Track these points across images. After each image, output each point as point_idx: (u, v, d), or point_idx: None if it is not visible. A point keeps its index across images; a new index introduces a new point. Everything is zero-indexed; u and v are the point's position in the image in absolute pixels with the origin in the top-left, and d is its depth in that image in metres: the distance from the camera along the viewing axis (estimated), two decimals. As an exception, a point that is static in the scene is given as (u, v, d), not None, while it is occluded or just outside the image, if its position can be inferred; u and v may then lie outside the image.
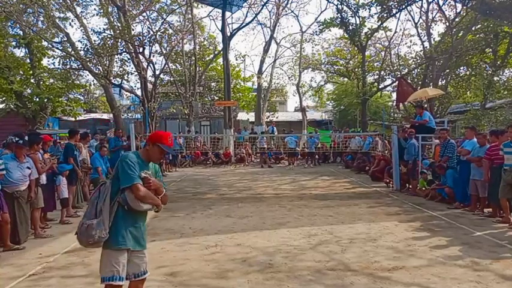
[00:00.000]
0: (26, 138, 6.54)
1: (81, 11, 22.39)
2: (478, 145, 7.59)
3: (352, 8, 20.50)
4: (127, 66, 20.77)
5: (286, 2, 26.64)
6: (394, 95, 22.06)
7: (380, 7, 18.01)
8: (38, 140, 6.73)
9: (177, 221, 7.29)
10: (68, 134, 8.74)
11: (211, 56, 27.75)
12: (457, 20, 20.11)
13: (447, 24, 20.17)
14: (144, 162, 3.07)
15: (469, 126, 9.61)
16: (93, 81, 24.43)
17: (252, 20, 25.19)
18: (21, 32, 19.69)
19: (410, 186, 10.21)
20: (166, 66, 23.81)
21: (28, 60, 20.05)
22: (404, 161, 10.30)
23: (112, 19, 21.82)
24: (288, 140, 18.21)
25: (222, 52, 23.66)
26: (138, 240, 3.03)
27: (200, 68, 26.72)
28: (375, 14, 19.28)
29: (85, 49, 19.60)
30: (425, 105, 16.08)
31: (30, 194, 5.99)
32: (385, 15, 18.49)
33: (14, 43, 19.95)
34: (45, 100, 18.95)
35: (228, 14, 22.19)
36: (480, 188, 7.48)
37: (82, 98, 28.02)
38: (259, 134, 22.37)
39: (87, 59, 19.48)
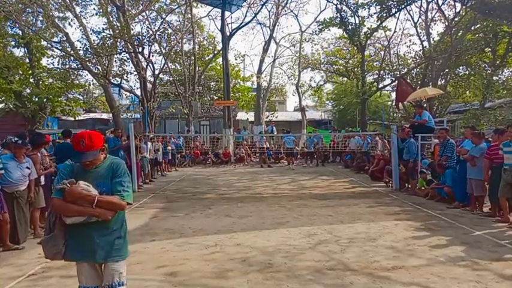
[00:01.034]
0: (28, 138, 6.55)
1: (81, 11, 22.41)
2: (474, 144, 7.62)
3: (352, 8, 20.55)
4: (126, 65, 20.84)
5: (285, 1, 26.64)
6: (394, 95, 22.13)
7: (379, 7, 18.03)
8: (43, 141, 6.74)
9: (177, 220, 7.29)
10: (63, 134, 8.74)
11: (211, 55, 27.75)
12: (456, 19, 20.13)
13: (446, 23, 20.20)
14: (85, 168, 2.77)
15: (468, 126, 9.62)
16: (92, 81, 24.42)
17: (252, 19, 25.21)
18: (20, 32, 19.69)
19: (410, 186, 10.21)
20: (166, 65, 23.80)
21: (27, 60, 20.06)
22: (404, 161, 10.31)
23: (111, 19, 21.80)
24: (286, 140, 18.19)
25: (221, 52, 23.66)
26: (93, 252, 2.74)
27: (199, 68, 26.72)
28: (374, 13, 19.34)
29: (84, 49, 19.63)
30: (425, 105, 16.11)
31: (30, 194, 5.99)
32: (384, 14, 18.50)
33: (13, 43, 19.97)
34: (45, 100, 18.97)
35: (227, 13, 22.19)
36: (475, 187, 7.53)
37: (81, 97, 28.06)
38: (257, 133, 22.39)
39: (87, 59, 19.48)
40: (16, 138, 5.95)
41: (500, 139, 7.09)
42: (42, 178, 6.77)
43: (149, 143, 13.17)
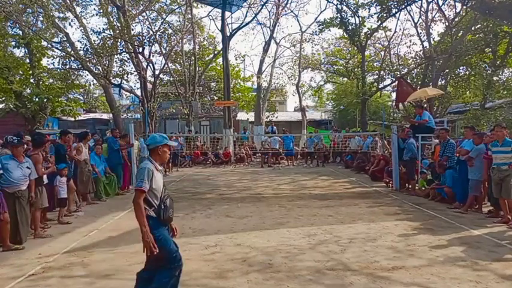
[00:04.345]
0: (29, 138, 6.54)
1: (81, 11, 22.43)
2: (475, 145, 7.63)
3: (352, 8, 20.53)
4: (126, 66, 20.80)
5: (285, 1, 26.63)
6: (394, 95, 22.11)
7: (379, 7, 18.03)
8: (44, 141, 6.76)
9: (177, 221, 7.20)
10: (60, 134, 8.77)
11: (211, 55, 27.76)
12: (456, 19, 20.13)
13: (447, 24, 20.20)
14: None
15: (468, 126, 9.62)
16: (92, 81, 24.42)
17: (252, 20, 25.19)
18: (20, 32, 19.69)
19: (410, 186, 10.21)
20: (166, 66, 23.81)
21: (28, 60, 20.05)
22: (403, 161, 10.31)
23: (112, 19, 21.81)
24: (272, 141, 18.35)
25: (221, 52, 23.66)
26: None
27: (200, 68, 26.72)
28: (375, 13, 19.33)
29: (85, 49, 19.62)
30: (425, 105, 16.09)
31: (31, 193, 5.98)
32: (384, 15, 18.50)
33: (13, 43, 19.95)
34: (45, 100, 18.96)
35: (227, 13, 22.18)
36: (470, 187, 7.56)
37: (81, 98, 28.06)
38: (257, 134, 22.46)
39: (87, 59, 19.48)
40: (13, 138, 5.97)
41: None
42: (45, 178, 6.78)
43: None
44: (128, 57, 20.45)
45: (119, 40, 19.18)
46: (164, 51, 22.23)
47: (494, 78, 18.36)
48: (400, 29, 27.73)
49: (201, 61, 27.19)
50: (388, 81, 24.30)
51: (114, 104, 22.92)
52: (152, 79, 21.50)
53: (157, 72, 21.64)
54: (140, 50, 19.39)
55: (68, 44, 20.82)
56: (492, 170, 6.80)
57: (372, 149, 15.02)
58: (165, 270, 3.42)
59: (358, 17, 20.80)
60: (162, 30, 21.65)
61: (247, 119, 31.71)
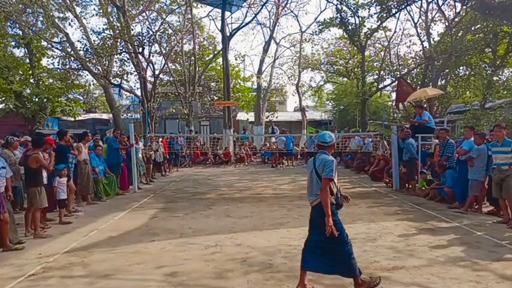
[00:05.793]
0: (29, 138, 6.53)
1: (81, 11, 22.44)
2: (476, 145, 7.61)
3: (352, 8, 20.52)
4: (126, 66, 20.83)
5: (285, 2, 26.65)
6: (394, 95, 22.12)
7: (379, 7, 18.04)
8: (44, 141, 6.78)
9: (177, 221, 7.29)
10: (58, 134, 8.78)
11: (211, 56, 27.77)
12: (456, 20, 20.12)
13: (446, 24, 20.19)
14: None
15: (468, 126, 9.62)
16: (92, 81, 24.43)
17: (252, 20, 25.20)
18: (20, 32, 19.68)
19: (410, 186, 10.21)
20: (166, 66, 23.81)
21: (27, 60, 20.04)
22: (403, 161, 10.31)
23: (111, 19, 21.82)
24: (278, 141, 18.36)
25: (221, 52, 23.68)
26: None
27: (200, 68, 26.73)
28: (375, 13, 19.32)
29: (84, 49, 19.65)
30: (425, 105, 16.10)
31: (8, 193, 5.94)
32: (384, 15, 18.51)
33: (13, 43, 19.94)
34: (45, 100, 18.94)
35: (227, 14, 22.19)
36: (470, 187, 7.56)
37: (81, 98, 28.04)
38: (256, 134, 22.47)
39: (87, 59, 19.50)
40: (15, 138, 5.97)
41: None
42: (45, 178, 6.78)
43: (141, 143, 13.08)
44: (128, 57, 20.47)
45: (119, 40, 19.19)
46: (164, 51, 22.25)
47: (494, 78, 18.36)
48: (400, 29, 27.74)
49: (201, 61, 27.20)
50: (388, 81, 24.37)
51: (114, 104, 22.93)
52: (152, 79, 21.51)
53: (157, 72, 21.66)
54: (140, 50, 19.40)
55: (68, 44, 20.84)
56: (492, 170, 6.81)
57: (373, 149, 15.03)
58: (343, 249, 3.96)
59: (358, 17, 20.79)
60: (162, 30, 21.67)
61: (247, 119, 31.71)
